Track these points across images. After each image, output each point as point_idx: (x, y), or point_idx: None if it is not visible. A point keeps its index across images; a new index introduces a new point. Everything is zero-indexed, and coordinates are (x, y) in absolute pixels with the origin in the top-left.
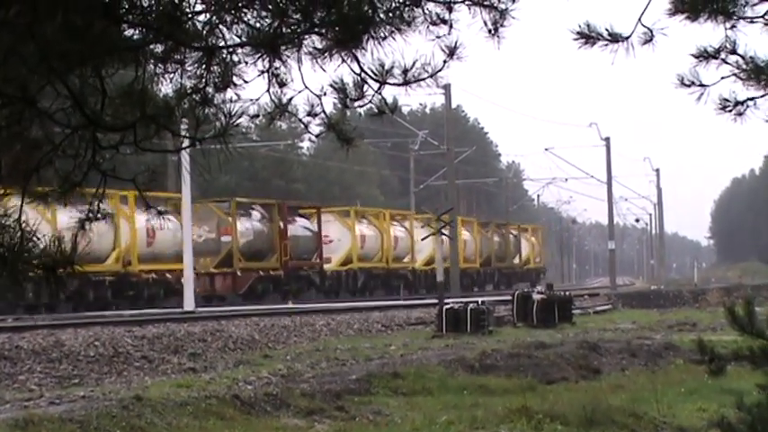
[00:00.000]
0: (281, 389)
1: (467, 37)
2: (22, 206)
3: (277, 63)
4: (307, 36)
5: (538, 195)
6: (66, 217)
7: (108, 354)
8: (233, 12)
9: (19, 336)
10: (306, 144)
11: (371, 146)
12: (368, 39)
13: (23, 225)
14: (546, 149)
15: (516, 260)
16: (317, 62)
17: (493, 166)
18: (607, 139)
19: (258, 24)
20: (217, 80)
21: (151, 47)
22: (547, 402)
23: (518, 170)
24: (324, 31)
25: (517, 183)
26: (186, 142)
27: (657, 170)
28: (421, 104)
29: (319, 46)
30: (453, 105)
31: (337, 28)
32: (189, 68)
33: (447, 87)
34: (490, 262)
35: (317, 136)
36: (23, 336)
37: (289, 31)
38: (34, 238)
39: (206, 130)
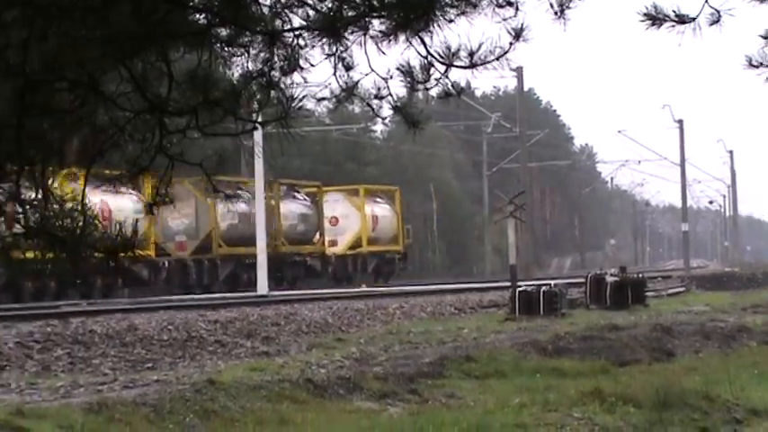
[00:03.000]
0: (354, 372)
1: (536, 19)
2: (84, 189)
3: (342, 46)
4: (369, 19)
5: (611, 178)
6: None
7: (181, 338)
8: None
9: (93, 320)
10: (379, 127)
11: (444, 129)
12: (432, 21)
13: (86, 210)
14: (619, 131)
15: (314, 242)
16: (380, 45)
17: (566, 149)
18: (680, 122)
19: (321, 8)
20: (283, 64)
21: (216, 31)
22: (620, 385)
23: (591, 152)
24: (386, 13)
25: (590, 165)
26: (249, 126)
27: (731, 152)
28: (494, 87)
29: (382, 29)
30: (526, 88)
31: (398, 10)
32: (254, 52)
33: (519, 70)
34: (210, 247)
35: (383, 119)
36: (97, 320)
37: (352, 14)
38: (95, 223)
39: (271, 114)
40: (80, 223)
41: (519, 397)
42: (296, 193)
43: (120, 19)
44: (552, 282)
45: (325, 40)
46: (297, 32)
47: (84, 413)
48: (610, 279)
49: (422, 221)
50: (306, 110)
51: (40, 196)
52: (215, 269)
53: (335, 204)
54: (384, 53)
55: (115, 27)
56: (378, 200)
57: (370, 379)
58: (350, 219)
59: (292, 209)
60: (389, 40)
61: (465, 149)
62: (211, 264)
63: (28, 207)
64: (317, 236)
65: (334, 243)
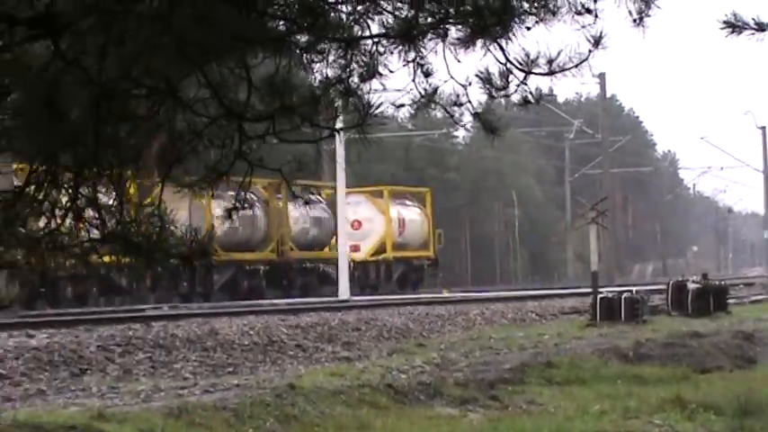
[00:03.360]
0: (434, 378)
1: (617, 25)
2: (161, 195)
3: (420, 53)
4: (446, 26)
5: (694, 184)
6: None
7: (262, 342)
8: (369, 2)
9: (174, 324)
10: (461, 133)
11: (526, 135)
12: (508, 28)
13: (163, 215)
14: (701, 138)
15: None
16: (457, 52)
17: (648, 155)
18: (763, 128)
19: (398, 15)
20: (362, 71)
21: (295, 38)
22: (701, 392)
23: (674, 159)
24: (462, 20)
25: (673, 171)
26: (327, 133)
27: None
28: (576, 94)
29: (459, 36)
30: (608, 94)
31: (474, 18)
32: (332, 59)
33: (602, 76)
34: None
35: (463, 126)
36: (179, 324)
37: (430, 21)
38: (172, 228)
39: (349, 121)
40: (157, 229)
41: (599, 404)
42: (310, 195)
43: (183, 24)
44: (634, 288)
45: (402, 47)
46: (375, 39)
47: (165, 417)
48: (692, 286)
49: (503, 227)
50: (384, 116)
51: (117, 202)
52: (209, 276)
53: (358, 207)
54: (459, 61)
55: (178, 33)
56: (406, 202)
57: (450, 385)
58: (374, 222)
59: (304, 212)
60: (467, 47)
61: (547, 155)
62: (205, 270)
63: (105, 213)
64: (334, 241)
65: (356, 248)
